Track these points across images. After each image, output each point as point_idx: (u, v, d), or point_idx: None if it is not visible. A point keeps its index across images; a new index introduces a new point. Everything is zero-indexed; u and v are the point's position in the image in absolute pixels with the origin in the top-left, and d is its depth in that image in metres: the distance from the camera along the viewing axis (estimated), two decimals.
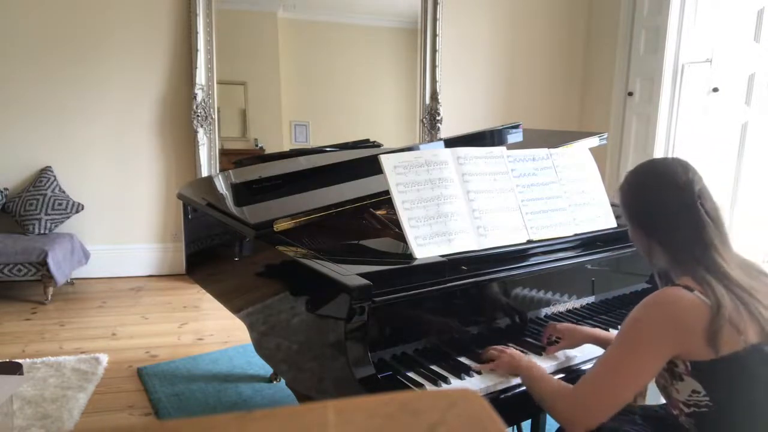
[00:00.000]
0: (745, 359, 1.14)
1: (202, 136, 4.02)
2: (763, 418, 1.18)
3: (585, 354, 1.53)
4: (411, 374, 1.38)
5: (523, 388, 1.38)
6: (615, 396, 1.17)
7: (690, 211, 1.19)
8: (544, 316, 1.64)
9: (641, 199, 1.26)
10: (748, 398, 1.17)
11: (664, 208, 1.22)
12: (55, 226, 3.78)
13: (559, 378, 1.43)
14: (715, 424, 1.19)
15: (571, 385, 1.24)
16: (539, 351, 1.52)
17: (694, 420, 1.23)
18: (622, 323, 1.20)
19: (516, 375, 1.37)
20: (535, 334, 1.60)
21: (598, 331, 1.56)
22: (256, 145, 4.26)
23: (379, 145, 3.09)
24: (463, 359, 1.46)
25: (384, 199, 1.68)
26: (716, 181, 3.34)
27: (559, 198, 1.76)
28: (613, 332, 1.63)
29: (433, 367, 1.41)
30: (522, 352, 1.49)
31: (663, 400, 1.55)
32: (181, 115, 4.04)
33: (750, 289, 1.16)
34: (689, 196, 1.20)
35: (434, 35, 4.33)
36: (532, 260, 1.62)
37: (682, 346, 1.15)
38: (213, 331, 3.25)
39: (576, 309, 1.72)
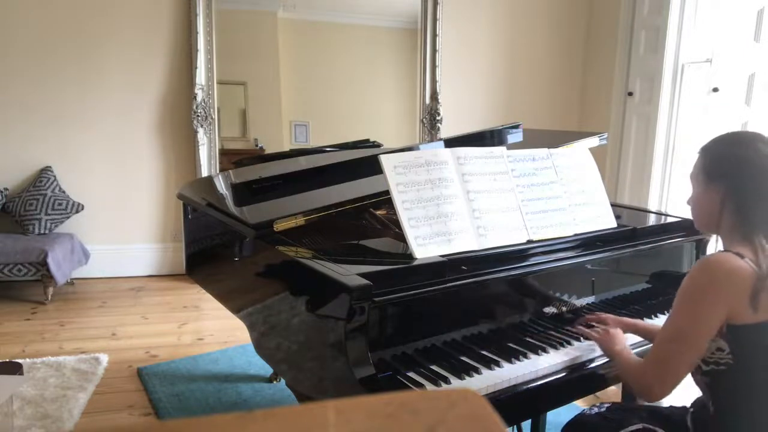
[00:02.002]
0: None
1: (202, 136, 4.02)
2: None
3: (589, 354, 1.53)
4: (411, 374, 1.38)
5: (524, 388, 1.39)
6: (680, 360, 1.24)
7: None
8: (545, 316, 1.64)
9: (734, 154, 1.29)
10: (766, 361, 1.23)
11: (755, 165, 1.26)
12: (55, 226, 3.78)
13: (565, 375, 1.45)
14: (730, 381, 1.25)
15: (641, 359, 1.35)
16: (537, 351, 1.51)
17: (708, 378, 1.28)
18: (678, 290, 1.26)
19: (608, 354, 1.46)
20: (535, 334, 1.60)
21: (639, 322, 1.64)
22: (256, 145, 4.26)
23: (379, 145, 3.08)
24: (463, 359, 1.46)
25: (384, 199, 1.68)
26: None
27: (559, 198, 1.76)
28: (646, 321, 1.71)
29: (433, 367, 1.41)
30: (521, 352, 1.49)
31: (665, 401, 1.55)
32: (181, 115, 4.04)
33: None
34: None
35: (434, 35, 4.33)
36: (532, 260, 1.62)
37: (730, 305, 1.20)
38: (213, 331, 3.25)
39: (576, 309, 1.72)
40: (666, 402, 1.60)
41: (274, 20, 4.23)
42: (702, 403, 1.35)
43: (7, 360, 2.53)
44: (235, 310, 1.89)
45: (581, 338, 1.61)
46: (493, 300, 1.55)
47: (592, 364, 1.51)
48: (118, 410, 2.44)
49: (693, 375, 1.34)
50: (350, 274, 1.32)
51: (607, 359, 1.52)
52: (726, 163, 1.29)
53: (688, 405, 1.44)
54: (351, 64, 4.44)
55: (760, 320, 1.19)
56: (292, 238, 1.61)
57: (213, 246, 2.13)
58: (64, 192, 3.85)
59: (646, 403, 1.60)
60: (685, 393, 1.47)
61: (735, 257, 1.21)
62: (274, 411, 0.46)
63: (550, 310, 1.65)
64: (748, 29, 3.47)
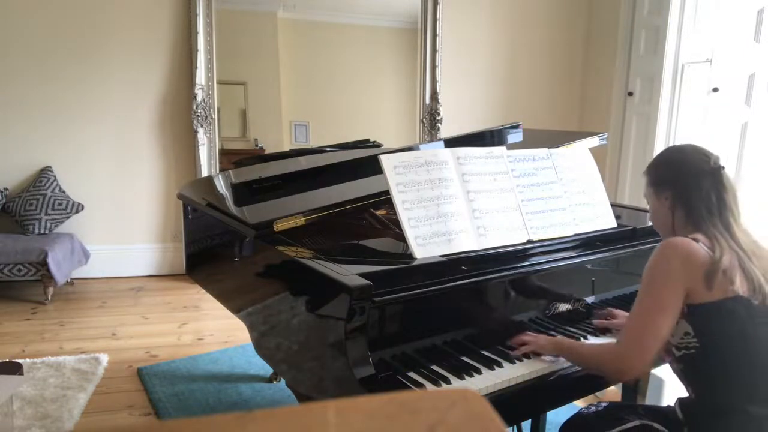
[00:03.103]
0: (732, 306, 1.29)
1: (202, 136, 4.02)
2: (739, 360, 1.31)
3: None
4: (411, 374, 1.38)
5: (524, 387, 1.39)
6: (653, 335, 1.31)
7: (715, 176, 1.39)
8: (545, 316, 1.64)
9: (676, 164, 1.45)
10: (728, 341, 1.31)
11: (695, 171, 1.40)
12: (55, 226, 3.78)
13: (565, 375, 1.45)
14: (700, 364, 1.33)
15: (613, 341, 1.43)
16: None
17: (682, 365, 1.36)
18: (643, 272, 1.35)
19: (558, 353, 1.48)
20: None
21: None
22: (256, 145, 4.26)
23: (379, 145, 3.08)
24: (463, 359, 1.46)
25: (384, 199, 1.68)
26: None
27: (559, 198, 1.76)
28: None
29: (434, 367, 1.41)
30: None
31: (665, 402, 1.55)
32: (181, 115, 4.04)
33: (749, 252, 1.34)
34: (715, 165, 1.40)
35: (434, 35, 4.33)
36: (532, 260, 1.62)
37: (688, 284, 1.30)
38: (213, 331, 3.25)
39: (576, 309, 1.72)
40: (664, 402, 1.60)
41: (274, 20, 4.23)
42: (688, 396, 1.39)
43: (7, 360, 2.52)
44: (235, 310, 1.89)
45: (581, 338, 1.61)
46: (494, 300, 1.55)
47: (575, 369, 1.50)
48: (118, 410, 2.44)
49: (670, 365, 1.41)
50: (350, 274, 1.32)
51: None
52: (667, 171, 1.45)
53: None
54: (351, 64, 4.44)
55: (715, 299, 1.28)
56: (292, 238, 1.61)
57: (213, 246, 2.13)
58: (64, 192, 3.85)
59: (645, 403, 1.60)
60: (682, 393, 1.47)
61: (690, 241, 1.33)
62: (274, 411, 0.46)
63: (550, 310, 1.65)
64: (748, 29, 3.47)
